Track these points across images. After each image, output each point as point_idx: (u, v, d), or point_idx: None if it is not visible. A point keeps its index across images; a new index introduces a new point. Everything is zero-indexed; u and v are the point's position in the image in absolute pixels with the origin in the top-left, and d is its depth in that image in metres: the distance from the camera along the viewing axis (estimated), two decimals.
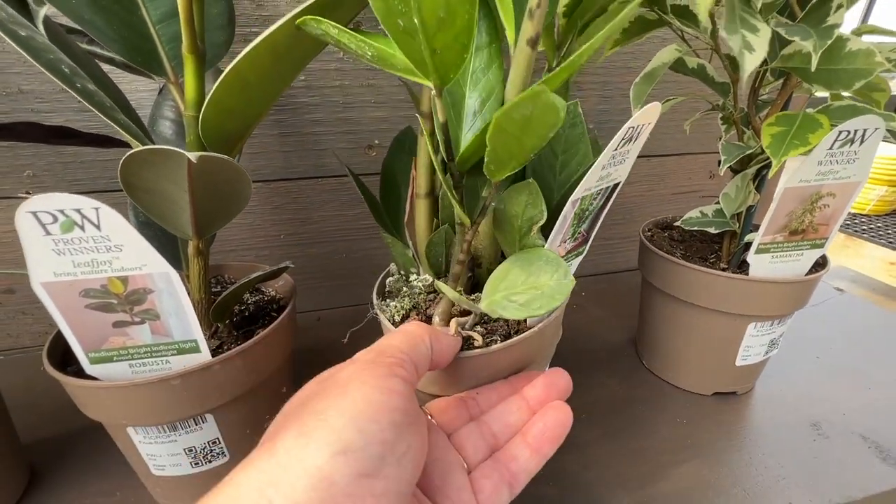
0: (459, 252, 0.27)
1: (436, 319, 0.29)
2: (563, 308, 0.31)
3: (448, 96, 0.27)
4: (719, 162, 0.35)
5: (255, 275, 0.30)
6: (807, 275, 0.36)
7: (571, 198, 0.23)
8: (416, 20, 0.17)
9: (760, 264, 0.35)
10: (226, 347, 0.31)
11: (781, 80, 0.36)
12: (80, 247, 0.21)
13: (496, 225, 0.27)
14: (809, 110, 0.34)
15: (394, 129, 0.50)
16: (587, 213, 0.27)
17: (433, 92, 0.21)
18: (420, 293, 0.32)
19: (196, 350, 0.25)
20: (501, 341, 0.26)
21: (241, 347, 0.27)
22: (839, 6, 0.29)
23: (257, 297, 0.37)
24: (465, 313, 0.29)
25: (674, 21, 0.36)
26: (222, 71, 0.39)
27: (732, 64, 0.37)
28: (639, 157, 0.61)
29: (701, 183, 0.65)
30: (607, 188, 0.27)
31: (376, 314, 0.30)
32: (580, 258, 0.31)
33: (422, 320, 0.30)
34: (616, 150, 0.23)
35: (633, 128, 0.23)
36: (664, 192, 0.64)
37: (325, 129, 0.49)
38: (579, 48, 0.34)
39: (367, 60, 0.21)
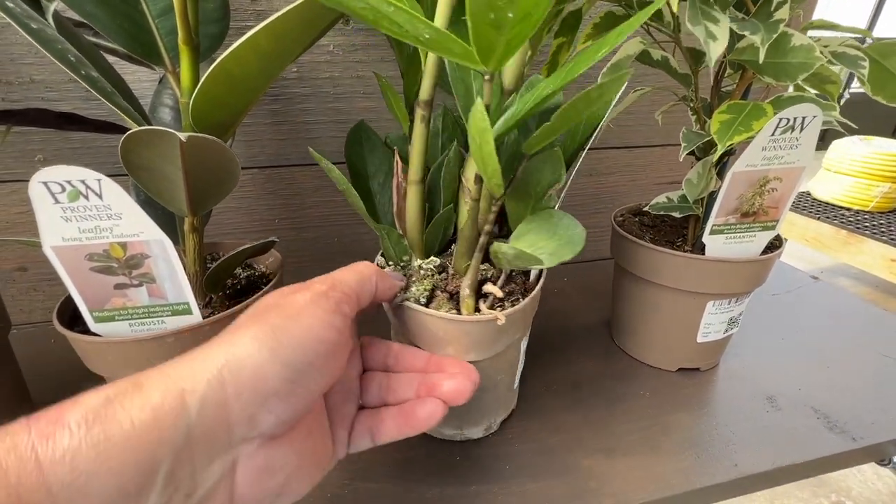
0: (485, 223, 0.30)
1: (466, 291, 0.31)
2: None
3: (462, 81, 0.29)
4: None
5: (243, 247, 0.33)
6: (762, 255, 0.39)
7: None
8: (510, 14, 0.18)
9: (715, 245, 0.37)
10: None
11: (739, 73, 0.38)
12: (84, 214, 0.24)
13: (513, 192, 0.30)
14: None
15: (381, 119, 0.53)
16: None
17: (486, 77, 0.23)
18: (433, 274, 0.34)
19: (188, 312, 0.28)
20: (522, 299, 0.31)
21: (230, 311, 0.30)
22: (782, 3, 0.31)
23: (249, 273, 0.40)
24: (483, 281, 0.32)
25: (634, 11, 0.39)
26: None
27: (693, 56, 0.39)
28: (621, 147, 0.64)
29: (682, 174, 0.67)
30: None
31: (403, 302, 0.31)
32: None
33: (448, 296, 0.33)
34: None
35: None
36: (646, 182, 0.66)
37: (316, 119, 0.51)
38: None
39: (417, 43, 0.21)
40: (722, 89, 0.40)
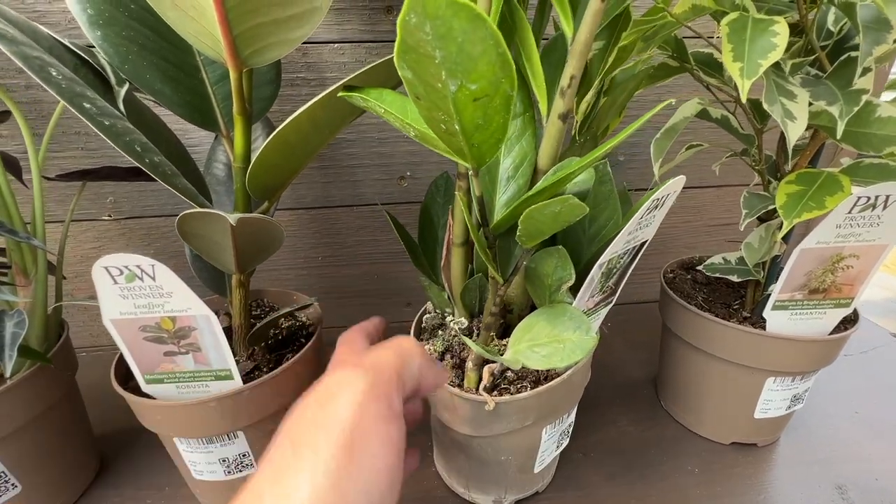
0: (492, 305, 0.29)
1: (469, 365, 0.31)
2: (591, 353, 0.33)
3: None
4: None
5: (283, 310, 0.34)
6: (833, 332, 0.35)
7: (598, 261, 0.25)
8: (456, 126, 0.20)
9: (779, 320, 0.34)
10: (262, 367, 0.35)
11: (811, 132, 0.35)
12: (139, 293, 0.25)
13: (528, 280, 0.29)
14: (842, 163, 0.33)
15: (424, 163, 0.54)
16: (615, 270, 0.28)
17: (471, 172, 0.23)
18: (455, 335, 0.34)
19: (230, 378, 0.29)
20: (532, 388, 0.29)
21: (269, 375, 0.31)
22: (866, 69, 0.28)
23: (290, 323, 0.41)
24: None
25: (696, 70, 0.36)
26: (270, 120, 0.44)
27: (757, 114, 0.36)
28: None
29: (738, 216, 0.63)
30: (634, 248, 0.29)
31: None
32: (609, 307, 0.32)
33: (455, 364, 0.33)
34: (641, 217, 0.25)
35: (659, 199, 0.24)
36: (700, 224, 0.62)
37: (360, 162, 0.52)
38: (604, 111, 0.36)
39: (411, 136, 0.23)
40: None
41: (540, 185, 0.23)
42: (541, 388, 0.29)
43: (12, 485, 0.31)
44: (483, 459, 0.31)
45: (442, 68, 0.17)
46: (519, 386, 0.30)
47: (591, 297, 0.29)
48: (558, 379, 0.29)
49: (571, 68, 0.23)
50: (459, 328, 0.34)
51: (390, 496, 0.18)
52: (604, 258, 0.26)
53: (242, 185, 0.33)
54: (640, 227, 0.27)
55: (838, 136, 0.28)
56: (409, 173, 0.54)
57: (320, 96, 0.26)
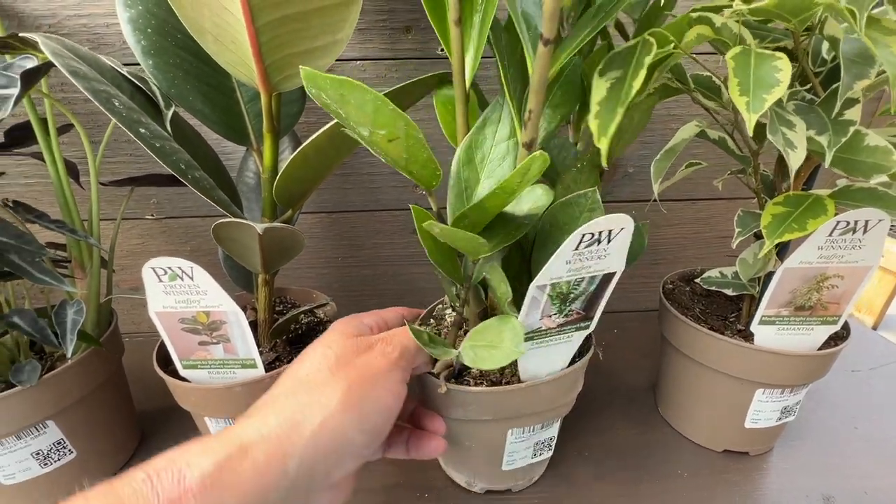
0: (457, 306, 0.32)
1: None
2: (579, 370, 0.34)
3: (463, 181, 0.32)
4: None
5: (303, 308, 0.37)
6: (822, 348, 0.36)
7: (534, 283, 0.27)
8: (390, 160, 0.26)
9: (766, 335, 0.35)
10: (282, 358, 0.39)
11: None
12: (179, 290, 0.29)
13: (490, 288, 0.32)
14: (837, 184, 0.34)
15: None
16: (573, 295, 0.30)
17: (424, 191, 0.28)
18: (444, 326, 0.38)
19: (254, 366, 0.33)
20: (486, 386, 0.32)
21: (289, 365, 0.35)
22: (854, 101, 0.29)
23: (309, 319, 0.45)
24: None
25: (695, 92, 0.38)
26: (296, 133, 0.48)
27: (754, 137, 0.37)
28: (684, 200, 0.61)
29: None
30: (594, 277, 0.29)
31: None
32: (585, 332, 0.33)
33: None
34: (577, 251, 0.27)
35: (592, 234, 0.26)
36: (710, 235, 0.63)
37: (379, 171, 0.56)
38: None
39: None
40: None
41: (475, 200, 0.26)
42: (490, 388, 0.31)
43: (69, 451, 0.36)
44: (452, 439, 0.34)
45: (350, 120, 0.24)
46: (478, 381, 0.33)
47: (550, 317, 0.30)
48: (512, 385, 0.31)
49: (531, 103, 0.26)
50: (451, 320, 0.37)
51: (389, 427, 0.26)
52: (542, 281, 0.27)
53: (269, 194, 0.37)
54: (587, 259, 0.28)
55: (827, 164, 0.29)
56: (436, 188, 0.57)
57: (332, 123, 0.30)
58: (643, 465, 0.42)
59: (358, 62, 0.51)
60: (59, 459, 0.36)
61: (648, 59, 0.24)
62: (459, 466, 0.39)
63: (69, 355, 0.33)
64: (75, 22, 0.47)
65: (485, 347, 0.27)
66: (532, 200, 0.29)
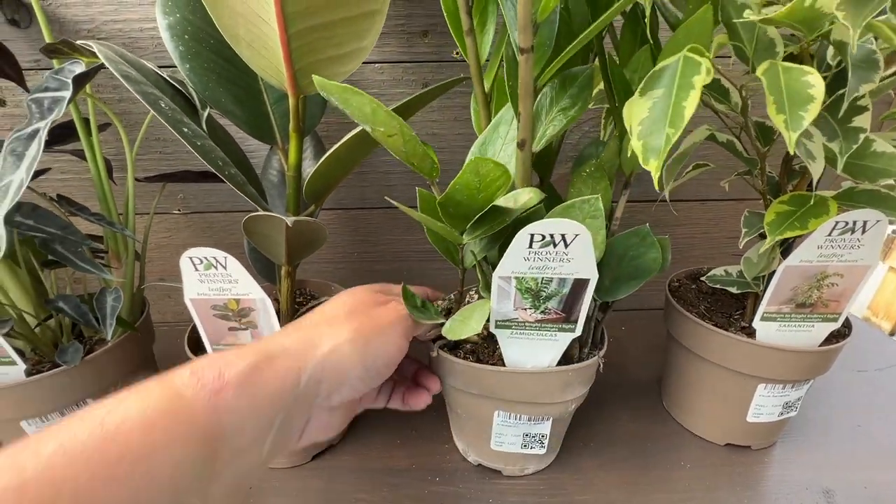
0: (461, 286, 0.35)
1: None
2: (571, 374, 0.35)
3: None
4: None
5: (322, 300, 0.40)
6: (824, 344, 0.37)
7: (496, 273, 0.30)
8: (393, 150, 0.29)
9: (767, 331, 0.37)
10: None
11: None
12: (213, 278, 0.32)
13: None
14: (842, 186, 0.35)
15: (452, 171, 0.58)
16: (545, 294, 0.31)
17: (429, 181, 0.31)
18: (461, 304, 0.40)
19: None
20: (472, 361, 0.36)
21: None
22: (863, 108, 0.30)
23: None
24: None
25: (706, 96, 0.39)
26: (318, 134, 0.50)
27: (761, 137, 0.39)
28: (694, 200, 0.62)
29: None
30: (563, 280, 0.30)
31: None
32: (571, 334, 0.33)
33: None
34: (531, 249, 0.29)
35: (543, 235, 0.28)
36: (719, 235, 0.64)
37: (394, 169, 0.58)
38: None
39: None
40: (794, 167, 0.39)
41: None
42: (471, 362, 0.35)
43: None
44: (450, 405, 0.38)
45: (355, 118, 0.27)
46: (467, 357, 0.36)
47: (525, 310, 0.32)
48: (491, 366, 0.35)
49: (519, 107, 0.30)
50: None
51: (388, 372, 0.30)
52: (503, 272, 0.30)
53: (294, 190, 0.39)
54: (547, 260, 0.29)
55: (839, 170, 0.30)
56: (437, 180, 0.59)
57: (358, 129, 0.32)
58: (647, 455, 0.43)
59: (376, 65, 0.53)
60: None
61: (700, 80, 0.23)
62: (458, 433, 0.43)
63: (108, 338, 0.35)
64: (111, 27, 0.50)
65: (459, 322, 0.31)
66: (516, 199, 0.30)
